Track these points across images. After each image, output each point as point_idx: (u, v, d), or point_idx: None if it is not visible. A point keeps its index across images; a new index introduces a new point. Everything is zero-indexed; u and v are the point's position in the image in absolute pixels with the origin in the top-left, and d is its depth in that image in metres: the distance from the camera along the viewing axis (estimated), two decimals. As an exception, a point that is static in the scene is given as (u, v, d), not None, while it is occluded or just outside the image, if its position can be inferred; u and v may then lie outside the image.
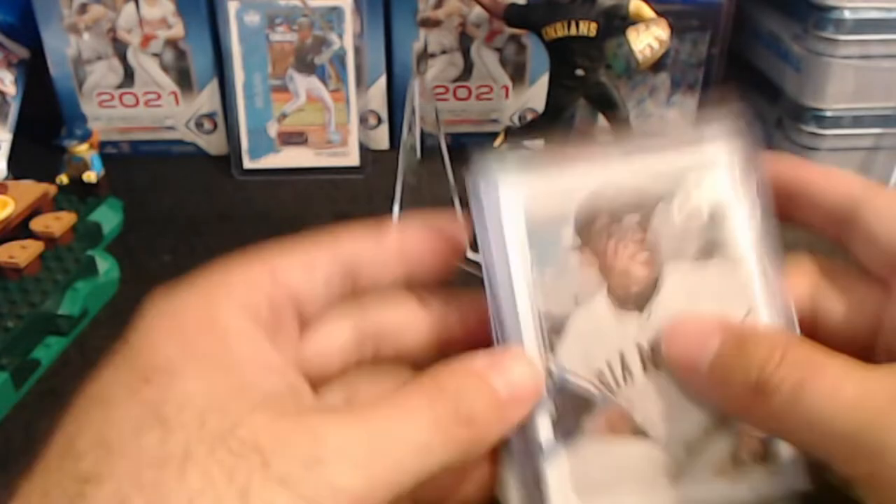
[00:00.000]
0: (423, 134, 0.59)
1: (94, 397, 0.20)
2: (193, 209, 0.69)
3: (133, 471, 0.18)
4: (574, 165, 0.24)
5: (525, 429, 0.23)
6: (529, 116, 0.78)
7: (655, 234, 0.24)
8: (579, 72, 0.66)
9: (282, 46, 0.71)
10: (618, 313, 0.24)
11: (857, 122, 0.68)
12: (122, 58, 0.75)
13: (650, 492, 0.23)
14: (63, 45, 0.74)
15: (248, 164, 0.74)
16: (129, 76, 0.75)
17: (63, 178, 0.63)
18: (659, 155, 0.24)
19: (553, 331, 0.24)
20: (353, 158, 0.75)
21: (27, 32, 0.75)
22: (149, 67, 0.75)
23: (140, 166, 0.76)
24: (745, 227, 0.24)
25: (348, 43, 0.71)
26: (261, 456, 0.18)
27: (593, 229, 0.24)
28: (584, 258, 0.24)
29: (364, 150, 0.75)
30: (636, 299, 0.23)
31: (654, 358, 0.23)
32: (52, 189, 0.60)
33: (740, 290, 0.23)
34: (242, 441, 0.18)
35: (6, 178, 0.69)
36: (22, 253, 0.53)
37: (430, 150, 0.58)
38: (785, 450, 0.23)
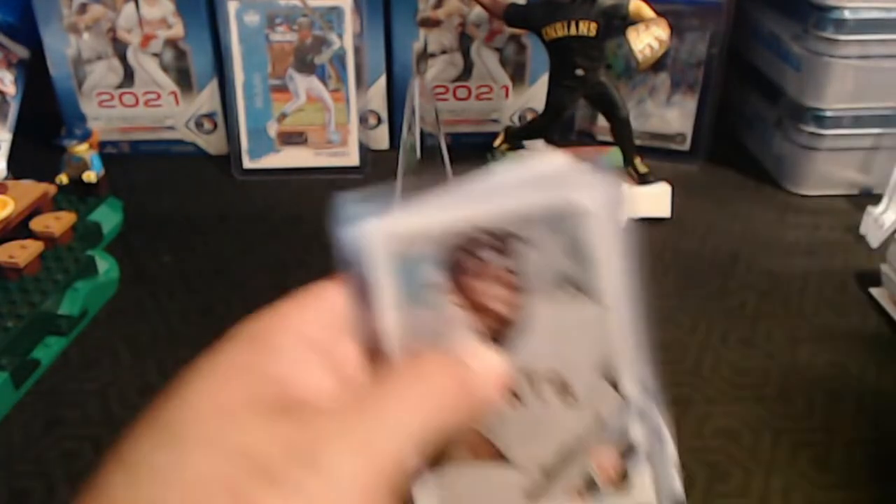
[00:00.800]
0: (423, 134, 0.59)
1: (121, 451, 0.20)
2: (193, 209, 0.69)
3: (140, 486, 0.19)
4: (439, 206, 0.25)
5: None
6: (529, 116, 0.79)
7: (520, 273, 0.24)
8: (579, 72, 0.66)
9: (281, 46, 0.71)
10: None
11: (857, 122, 0.68)
12: (122, 58, 0.75)
13: None
14: (63, 45, 0.74)
15: (247, 164, 0.74)
16: (128, 76, 0.75)
17: (63, 178, 0.63)
18: (523, 195, 0.24)
19: None
20: (353, 158, 0.75)
21: (27, 32, 0.75)
22: (149, 67, 0.75)
23: (140, 166, 0.76)
24: (608, 270, 0.24)
25: (348, 43, 0.71)
26: (253, 460, 0.18)
27: (459, 269, 0.24)
28: (447, 296, 0.24)
29: (364, 149, 0.75)
30: (498, 335, 0.24)
31: (518, 391, 0.24)
32: (51, 189, 0.60)
33: (597, 322, 0.24)
34: (238, 446, 0.19)
35: (6, 178, 0.69)
36: (22, 253, 0.53)
37: (431, 150, 0.58)
38: (642, 476, 0.24)
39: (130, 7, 0.73)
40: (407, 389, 0.21)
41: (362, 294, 0.25)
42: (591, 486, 0.24)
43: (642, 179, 0.69)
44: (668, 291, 0.58)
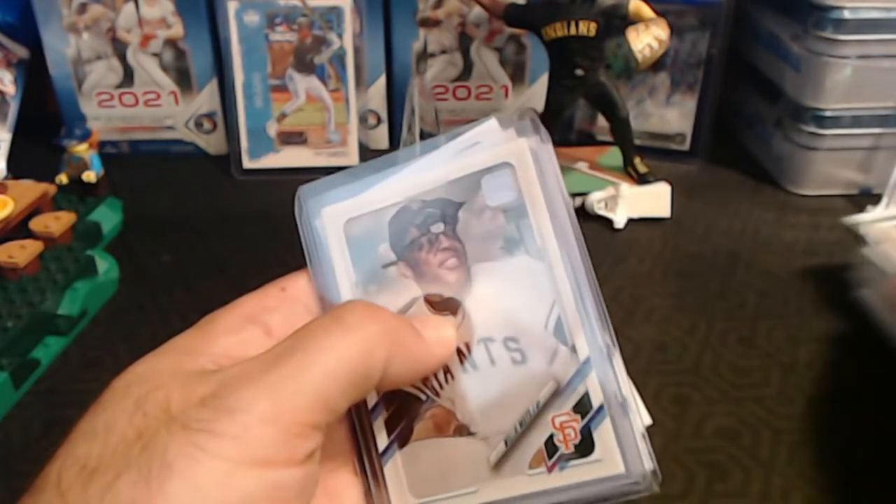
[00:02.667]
0: (422, 134, 0.59)
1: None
2: (193, 209, 0.69)
3: (74, 445, 0.21)
4: (385, 184, 0.26)
5: (363, 435, 0.25)
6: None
7: (461, 239, 0.25)
8: (579, 71, 0.66)
9: (281, 46, 0.71)
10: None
11: (857, 121, 0.68)
12: (122, 58, 0.75)
13: (476, 485, 0.24)
14: (63, 45, 0.74)
15: (247, 163, 0.74)
16: (128, 76, 0.75)
17: (62, 178, 0.63)
18: (457, 161, 0.25)
19: None
20: (352, 158, 0.75)
21: (27, 32, 0.75)
22: (148, 67, 0.75)
23: (140, 166, 0.76)
24: (541, 222, 0.24)
25: (348, 43, 0.71)
26: (169, 414, 0.20)
27: (405, 243, 0.25)
28: (400, 271, 0.25)
29: (364, 149, 0.75)
30: (450, 304, 0.25)
31: (473, 357, 0.25)
32: (51, 189, 0.60)
33: (544, 281, 0.24)
34: (158, 405, 0.21)
35: (6, 178, 0.69)
36: (21, 253, 0.53)
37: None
38: (605, 439, 0.23)
39: (130, 7, 0.73)
40: (321, 332, 0.22)
41: (322, 279, 0.27)
42: (553, 451, 0.23)
43: (642, 179, 0.69)
44: (668, 291, 0.58)
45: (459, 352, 0.25)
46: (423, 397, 0.25)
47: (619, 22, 0.65)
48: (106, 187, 0.65)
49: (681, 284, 0.59)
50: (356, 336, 0.22)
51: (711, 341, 0.53)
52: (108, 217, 0.63)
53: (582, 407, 0.23)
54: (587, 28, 0.64)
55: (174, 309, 0.56)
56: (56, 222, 0.57)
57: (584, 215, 0.67)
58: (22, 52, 0.77)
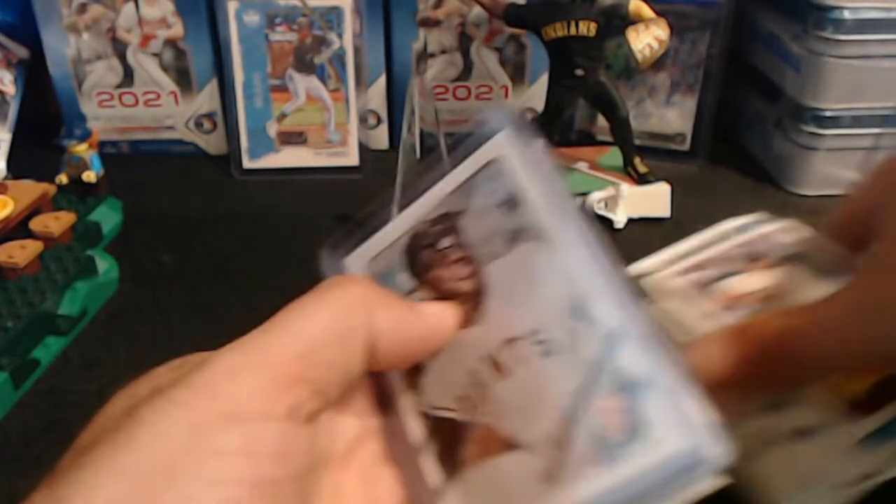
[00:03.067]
0: (422, 134, 0.59)
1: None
2: (193, 209, 0.69)
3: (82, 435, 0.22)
4: (398, 218, 0.26)
5: (413, 477, 0.23)
6: (529, 116, 0.78)
7: (468, 246, 0.24)
8: (579, 72, 0.66)
9: (281, 46, 0.71)
10: (461, 334, 0.24)
11: (857, 121, 0.68)
12: (122, 58, 0.75)
13: (536, 500, 0.21)
14: (63, 45, 0.74)
15: (247, 163, 0.74)
16: (128, 76, 0.75)
17: (62, 178, 0.63)
18: (448, 177, 0.25)
19: (416, 374, 0.24)
20: (352, 158, 0.75)
21: (27, 32, 0.75)
22: (148, 67, 0.75)
23: (139, 166, 0.76)
24: (537, 205, 0.23)
25: (348, 43, 0.71)
26: (154, 390, 0.21)
27: (420, 265, 0.25)
28: (422, 296, 0.25)
29: (364, 149, 0.75)
30: (472, 313, 0.24)
31: (501, 363, 0.23)
32: (51, 189, 0.60)
33: (553, 263, 0.23)
34: (147, 387, 0.21)
35: (5, 178, 0.69)
36: (21, 253, 0.53)
37: (430, 150, 0.58)
38: (660, 413, 0.20)
39: (130, 7, 0.73)
40: (300, 299, 0.22)
41: None
42: (603, 442, 0.20)
43: (642, 179, 0.69)
44: (668, 291, 0.58)
45: (489, 361, 0.23)
46: (466, 419, 0.23)
47: (619, 22, 0.65)
48: (106, 187, 0.65)
49: (681, 284, 0.59)
50: (331, 293, 0.22)
51: (711, 341, 0.53)
52: (108, 217, 0.63)
53: (624, 386, 0.21)
54: (587, 28, 0.64)
55: (174, 309, 0.56)
56: (56, 222, 0.57)
57: (584, 215, 0.67)
58: (22, 52, 0.77)
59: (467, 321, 0.24)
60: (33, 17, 0.73)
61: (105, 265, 0.57)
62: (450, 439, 0.23)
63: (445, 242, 0.25)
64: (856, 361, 0.24)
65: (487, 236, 0.24)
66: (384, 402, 0.25)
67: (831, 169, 0.70)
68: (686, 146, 0.77)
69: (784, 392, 0.24)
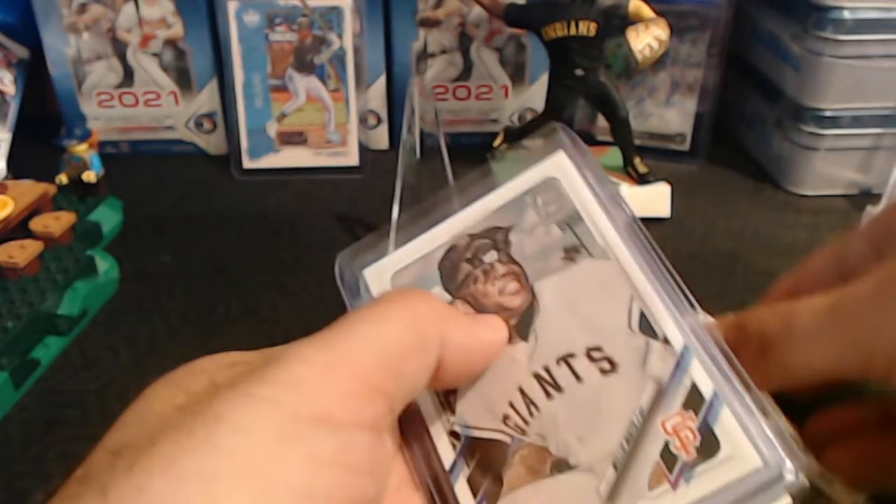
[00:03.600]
0: (422, 134, 0.59)
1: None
2: (193, 209, 0.69)
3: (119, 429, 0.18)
4: (429, 232, 0.25)
5: (443, 502, 0.22)
6: (529, 116, 0.78)
7: (518, 262, 0.24)
8: (579, 72, 0.66)
9: (281, 46, 0.71)
10: (506, 350, 0.23)
11: (857, 122, 0.68)
12: (122, 58, 0.75)
13: None
14: (63, 45, 0.74)
15: (247, 163, 0.74)
16: (128, 76, 0.75)
17: (62, 178, 0.63)
18: (495, 192, 0.25)
19: (446, 391, 0.23)
20: (352, 158, 0.75)
21: (27, 32, 0.75)
22: (148, 67, 0.75)
23: (140, 166, 0.76)
24: (599, 222, 0.23)
25: (348, 43, 0.71)
26: (213, 386, 0.18)
27: (458, 279, 0.24)
28: (459, 310, 0.24)
29: (363, 149, 0.75)
30: (518, 330, 0.23)
31: (554, 380, 0.22)
32: (51, 189, 0.60)
33: (616, 279, 0.22)
34: (199, 382, 0.18)
35: (6, 178, 0.69)
36: (21, 253, 0.53)
37: (430, 150, 0.58)
38: (732, 431, 0.19)
39: (130, 7, 0.73)
40: (369, 307, 0.20)
41: None
42: (672, 461, 0.20)
43: (642, 179, 0.69)
44: (668, 291, 0.58)
45: (539, 378, 0.22)
46: (508, 439, 0.22)
47: (619, 22, 0.65)
48: (106, 187, 0.65)
49: (681, 284, 0.59)
50: (406, 304, 0.20)
51: (711, 341, 0.53)
52: (108, 217, 0.63)
53: (693, 401, 0.20)
54: (587, 28, 0.64)
55: (174, 309, 0.56)
56: (56, 222, 0.57)
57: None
58: (22, 52, 0.77)
59: (513, 337, 0.23)
60: (33, 17, 0.73)
61: (105, 265, 0.57)
62: (487, 461, 0.22)
63: (491, 257, 0.24)
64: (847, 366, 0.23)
65: (541, 252, 0.24)
66: (406, 422, 0.23)
67: (831, 169, 0.70)
68: (686, 146, 0.77)
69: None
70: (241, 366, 0.19)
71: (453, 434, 0.23)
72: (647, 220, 0.66)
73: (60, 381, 0.50)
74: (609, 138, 0.72)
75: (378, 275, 0.25)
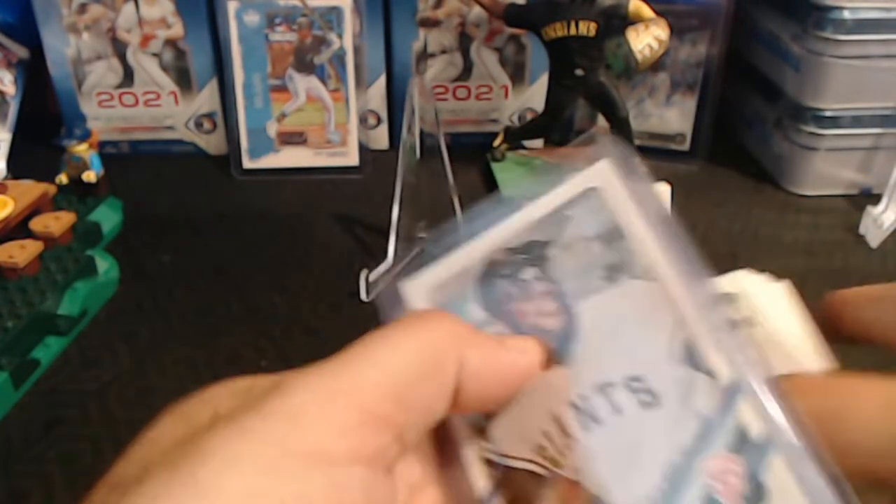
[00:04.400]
0: (422, 134, 0.59)
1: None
2: (193, 209, 0.69)
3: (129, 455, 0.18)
4: (461, 245, 0.23)
5: None
6: (529, 116, 0.79)
7: (556, 280, 0.22)
8: (579, 72, 0.66)
9: (281, 46, 0.71)
10: (542, 375, 0.21)
11: (857, 121, 0.68)
12: (122, 58, 0.75)
13: None
14: (63, 45, 0.74)
15: (247, 163, 0.74)
16: (128, 76, 0.75)
17: (62, 178, 0.63)
18: (534, 203, 0.23)
19: (483, 416, 0.22)
20: (352, 158, 0.75)
21: (27, 32, 0.75)
22: (148, 67, 0.75)
23: (140, 166, 0.76)
24: (643, 239, 0.21)
25: (348, 43, 0.71)
26: (214, 417, 0.18)
27: (496, 298, 0.22)
28: (495, 330, 0.22)
29: (364, 149, 0.75)
30: (557, 353, 0.21)
31: (592, 410, 0.21)
32: (51, 189, 0.60)
33: (660, 303, 0.21)
34: (203, 413, 0.18)
35: (6, 178, 0.69)
36: (21, 253, 0.53)
37: (430, 150, 0.58)
38: (782, 479, 0.18)
39: (130, 7, 0.73)
40: (383, 331, 0.19)
41: None
42: None
43: (642, 179, 0.69)
44: (668, 291, 0.58)
45: (576, 408, 0.21)
46: (543, 472, 0.21)
47: (619, 22, 0.65)
48: (106, 187, 0.65)
49: (681, 284, 0.59)
50: (421, 327, 0.19)
51: (711, 341, 0.53)
52: (108, 217, 0.63)
53: (741, 445, 0.19)
54: (587, 28, 0.64)
55: (174, 309, 0.56)
56: (56, 222, 0.57)
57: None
58: (22, 52, 0.77)
59: (550, 361, 0.21)
60: (33, 17, 0.73)
61: (105, 265, 0.57)
62: (522, 493, 0.21)
63: (529, 274, 0.22)
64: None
65: (581, 270, 0.22)
66: (443, 446, 0.22)
67: (831, 169, 0.70)
68: (686, 146, 0.77)
69: None
70: (252, 391, 0.18)
71: (489, 462, 0.21)
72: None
73: (60, 381, 0.50)
74: (609, 138, 0.72)
75: (417, 290, 0.23)
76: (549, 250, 0.22)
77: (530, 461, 0.21)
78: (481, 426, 0.22)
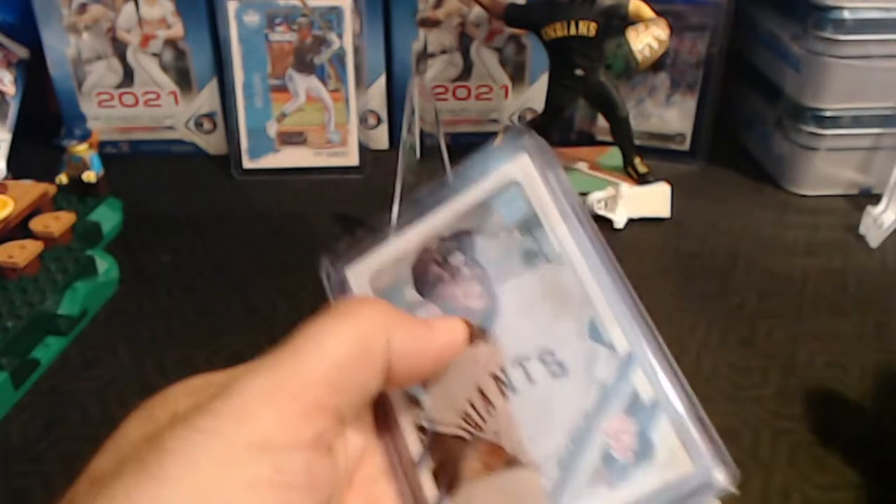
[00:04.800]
0: (422, 134, 0.59)
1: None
2: (193, 209, 0.69)
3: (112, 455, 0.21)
4: (404, 233, 0.26)
5: (411, 491, 0.24)
6: (529, 116, 0.79)
7: (481, 265, 0.25)
8: (579, 72, 0.66)
9: (281, 46, 0.71)
10: (468, 351, 0.24)
11: (857, 121, 0.68)
12: (122, 58, 0.75)
13: None
14: (63, 45, 0.74)
15: (247, 163, 0.74)
16: (128, 76, 0.75)
17: (62, 178, 0.63)
18: (462, 195, 0.25)
19: (420, 387, 0.25)
20: (352, 158, 0.75)
21: (27, 32, 0.75)
22: (148, 67, 0.75)
23: (140, 166, 0.76)
24: (556, 227, 0.24)
25: (348, 43, 0.71)
26: (174, 415, 0.20)
27: (428, 281, 0.25)
28: (430, 312, 0.25)
29: (363, 149, 0.75)
30: (481, 332, 0.24)
31: (511, 381, 0.23)
32: (51, 189, 0.60)
33: (570, 285, 0.23)
34: (165, 410, 0.21)
35: (6, 178, 0.69)
36: (21, 253, 0.53)
37: (430, 150, 0.58)
38: (667, 437, 0.21)
39: (130, 7, 0.73)
40: (317, 321, 0.22)
41: None
42: (611, 462, 0.21)
43: (642, 179, 0.69)
44: (668, 291, 0.58)
45: (496, 379, 0.24)
46: (467, 436, 0.24)
47: (619, 22, 0.65)
48: (106, 187, 0.65)
49: (680, 284, 0.59)
50: (352, 316, 0.22)
51: (711, 341, 0.53)
52: (108, 217, 0.63)
53: (634, 408, 0.22)
54: (587, 28, 0.64)
55: (174, 309, 0.56)
56: (56, 222, 0.57)
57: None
58: (22, 52, 0.77)
59: (475, 338, 0.24)
60: (33, 17, 0.73)
61: (105, 265, 0.57)
62: (449, 454, 0.24)
63: (457, 259, 0.25)
64: None
65: (502, 256, 0.24)
66: (381, 416, 0.25)
67: (831, 169, 0.70)
68: (686, 146, 0.77)
69: None
70: (207, 389, 0.21)
71: (421, 429, 0.24)
72: (647, 220, 0.66)
73: (60, 381, 0.50)
74: (609, 138, 0.72)
75: (359, 275, 0.26)
76: (475, 238, 0.25)
77: (457, 427, 0.24)
78: (416, 398, 0.24)
